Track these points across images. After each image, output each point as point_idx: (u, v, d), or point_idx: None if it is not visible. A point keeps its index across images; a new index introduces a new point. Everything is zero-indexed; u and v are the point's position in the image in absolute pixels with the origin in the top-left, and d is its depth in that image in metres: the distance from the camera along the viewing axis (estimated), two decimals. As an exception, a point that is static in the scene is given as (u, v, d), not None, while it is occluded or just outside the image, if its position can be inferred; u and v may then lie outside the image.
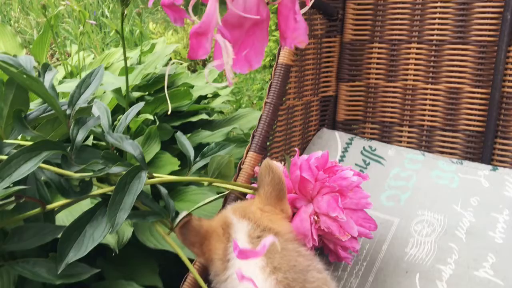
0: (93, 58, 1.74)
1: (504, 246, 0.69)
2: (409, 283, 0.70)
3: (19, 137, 0.69)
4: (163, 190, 0.72)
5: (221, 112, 1.69)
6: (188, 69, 2.82)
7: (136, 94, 1.29)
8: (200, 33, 0.32)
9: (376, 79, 0.90)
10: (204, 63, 2.87)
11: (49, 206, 0.65)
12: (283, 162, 0.74)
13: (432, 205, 0.75)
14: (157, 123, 1.14)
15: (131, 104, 1.26)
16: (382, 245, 0.74)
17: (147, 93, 1.34)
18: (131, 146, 0.67)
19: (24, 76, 0.61)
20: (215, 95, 1.51)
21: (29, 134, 0.63)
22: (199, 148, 0.85)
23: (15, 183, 0.57)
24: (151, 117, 1.06)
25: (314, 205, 0.65)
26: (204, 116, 1.34)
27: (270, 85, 0.83)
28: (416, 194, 0.78)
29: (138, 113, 1.15)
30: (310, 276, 0.57)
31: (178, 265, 1.02)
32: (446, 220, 0.73)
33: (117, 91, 1.10)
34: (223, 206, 0.79)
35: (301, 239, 0.64)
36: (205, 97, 1.48)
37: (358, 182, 0.65)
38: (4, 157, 0.61)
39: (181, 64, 1.86)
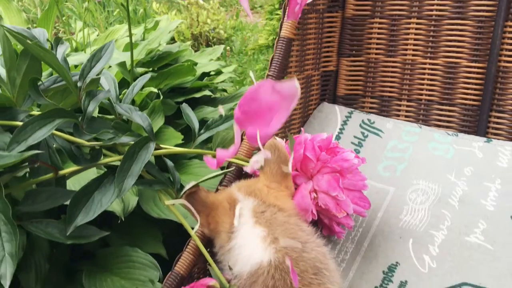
0: (97, 35, 1.75)
1: (495, 213, 0.71)
2: (402, 247, 0.73)
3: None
4: (169, 163, 0.75)
5: (224, 91, 1.71)
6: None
7: (140, 70, 1.31)
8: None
9: (376, 54, 0.92)
10: (208, 43, 2.87)
11: (61, 172, 0.68)
12: (285, 139, 0.77)
13: (427, 175, 0.78)
14: (161, 97, 1.16)
15: (136, 79, 1.29)
16: (378, 213, 0.77)
17: (151, 69, 1.36)
18: (140, 118, 0.70)
19: (38, 47, 0.63)
20: (218, 73, 1.53)
21: (42, 101, 0.65)
22: (202, 124, 0.88)
23: (29, 149, 0.60)
24: (155, 90, 1.08)
25: (314, 183, 0.68)
26: (207, 92, 1.37)
27: (272, 59, 0.85)
28: (412, 164, 0.80)
29: (142, 87, 1.18)
30: (308, 248, 0.60)
31: (180, 235, 1.06)
32: (440, 189, 0.76)
33: (122, 65, 1.12)
34: (222, 180, 0.82)
35: (302, 215, 0.67)
36: (208, 74, 1.49)
37: (358, 164, 0.68)
38: (19, 123, 0.63)
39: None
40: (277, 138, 0.74)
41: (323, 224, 0.72)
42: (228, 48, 2.92)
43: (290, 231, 0.61)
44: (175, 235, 1.08)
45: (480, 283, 0.67)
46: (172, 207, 0.68)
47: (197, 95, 1.34)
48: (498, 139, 0.81)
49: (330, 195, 0.66)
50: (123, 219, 0.93)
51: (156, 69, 1.39)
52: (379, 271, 0.72)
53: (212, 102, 1.43)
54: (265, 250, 0.58)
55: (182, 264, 0.75)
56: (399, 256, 0.72)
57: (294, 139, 0.70)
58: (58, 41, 0.74)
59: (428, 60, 0.87)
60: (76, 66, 1.17)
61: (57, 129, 0.69)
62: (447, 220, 0.73)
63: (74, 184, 0.94)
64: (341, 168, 0.67)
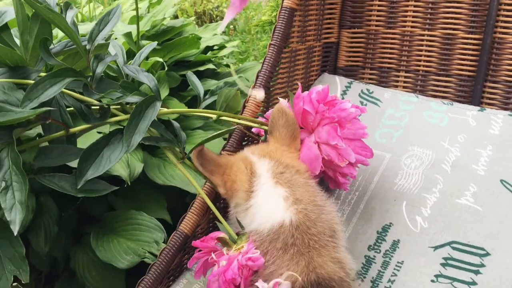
0: (102, 10, 1.77)
1: (485, 177, 0.75)
2: (397, 209, 0.76)
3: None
4: (175, 123, 0.78)
5: (227, 66, 1.74)
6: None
7: (145, 42, 1.33)
8: None
9: (376, 26, 0.94)
10: (211, 22, 2.88)
11: (72, 130, 0.71)
12: (287, 99, 0.79)
13: (422, 141, 0.81)
14: (166, 68, 1.19)
15: (141, 51, 1.31)
16: (374, 177, 0.81)
17: (155, 42, 1.38)
18: (146, 78, 0.73)
19: (48, 10, 0.66)
20: (222, 47, 1.55)
21: (53, 62, 0.68)
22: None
23: (41, 106, 0.63)
24: (160, 60, 1.11)
25: (315, 136, 0.70)
26: (211, 66, 1.39)
27: (275, 28, 0.88)
28: (407, 132, 0.84)
29: (147, 58, 1.20)
30: (326, 211, 0.63)
31: (182, 203, 1.09)
32: (434, 155, 0.79)
33: (128, 35, 1.14)
34: (228, 140, 0.85)
35: (312, 167, 0.69)
36: (212, 48, 1.52)
37: (356, 113, 0.70)
38: (31, 81, 0.66)
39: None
40: (280, 98, 0.77)
41: (329, 177, 0.74)
42: (231, 27, 2.93)
43: (310, 193, 0.64)
44: (178, 203, 1.12)
45: (468, 241, 0.70)
46: (180, 165, 0.72)
47: (201, 68, 1.37)
48: (492, 108, 0.84)
49: (330, 145, 0.68)
50: (129, 184, 0.97)
51: (160, 42, 1.41)
52: (374, 231, 0.76)
53: (215, 76, 1.45)
54: (286, 210, 0.61)
55: (186, 223, 0.79)
56: (393, 217, 0.76)
57: (293, 95, 0.72)
58: (67, 5, 0.77)
59: (426, 32, 0.89)
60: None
61: (67, 89, 0.72)
62: (440, 184, 0.76)
63: (85, 144, 0.98)
64: (339, 117, 0.68)
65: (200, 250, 0.66)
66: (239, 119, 0.79)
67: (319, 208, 0.63)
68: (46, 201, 0.99)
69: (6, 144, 0.60)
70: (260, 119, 0.79)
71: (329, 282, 0.58)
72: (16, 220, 0.56)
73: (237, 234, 0.65)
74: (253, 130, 0.83)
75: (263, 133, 0.79)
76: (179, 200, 1.16)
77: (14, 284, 0.61)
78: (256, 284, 0.58)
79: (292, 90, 0.94)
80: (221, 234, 0.65)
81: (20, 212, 0.56)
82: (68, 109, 0.71)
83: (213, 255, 0.63)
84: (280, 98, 0.79)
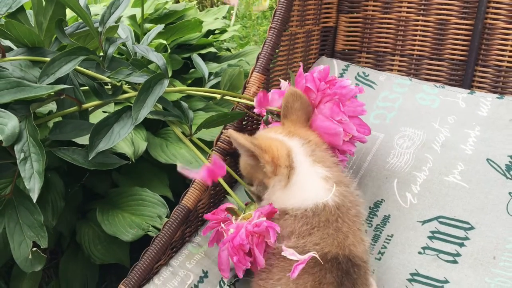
0: (106, -7, 1.79)
1: (472, 156, 0.79)
2: (388, 186, 0.81)
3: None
4: (184, 104, 0.82)
5: (228, 50, 1.77)
6: (196, 11, 2.84)
7: (149, 25, 1.36)
8: None
9: (373, 11, 0.97)
10: (212, 5, 2.89)
11: (85, 106, 0.75)
12: (287, 81, 0.83)
13: (413, 122, 0.85)
14: (169, 51, 1.22)
15: (145, 34, 1.34)
16: (367, 156, 0.85)
17: (162, 25, 1.41)
18: (155, 57, 0.76)
19: None
20: (223, 31, 1.58)
21: (67, 41, 0.72)
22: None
23: (56, 82, 0.67)
24: (164, 42, 1.14)
25: (318, 112, 0.73)
26: (212, 49, 1.42)
27: (275, 12, 0.91)
28: (400, 113, 0.87)
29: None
30: (353, 191, 0.69)
31: (184, 181, 1.13)
32: (425, 135, 0.83)
33: (132, 18, 1.17)
34: (225, 126, 0.89)
35: (332, 141, 0.72)
36: (213, 32, 1.54)
37: (355, 91, 0.73)
38: (47, 59, 0.70)
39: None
40: (281, 80, 0.80)
41: None
42: (232, 12, 2.94)
43: (340, 172, 0.69)
44: (179, 182, 1.16)
45: (454, 216, 0.75)
46: (188, 142, 0.76)
47: (203, 51, 1.40)
48: (482, 91, 0.88)
49: (333, 121, 0.71)
50: (134, 161, 1.01)
51: (163, 25, 1.44)
52: (366, 207, 0.80)
53: (217, 59, 1.48)
54: (328, 192, 0.65)
55: (188, 198, 0.83)
56: (384, 194, 0.80)
57: (294, 75, 0.75)
58: None
59: (420, 17, 0.93)
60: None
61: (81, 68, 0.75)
62: (429, 163, 0.80)
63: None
64: (340, 95, 0.71)
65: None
66: (242, 98, 0.83)
67: (348, 188, 0.68)
68: (53, 177, 1.03)
69: (24, 117, 0.64)
70: None
71: (357, 260, 0.63)
72: (35, 188, 0.60)
73: (245, 204, 0.69)
74: (255, 110, 0.86)
75: (264, 113, 0.82)
76: (180, 179, 1.20)
77: (34, 249, 0.66)
78: (284, 253, 0.62)
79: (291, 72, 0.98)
80: (229, 205, 0.69)
81: (38, 181, 0.60)
82: (82, 87, 0.75)
83: (222, 225, 0.67)
84: (281, 80, 0.82)
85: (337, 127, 0.70)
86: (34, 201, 0.60)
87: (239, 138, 0.65)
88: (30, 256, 0.65)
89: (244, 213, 0.67)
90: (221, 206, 0.70)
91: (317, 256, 0.61)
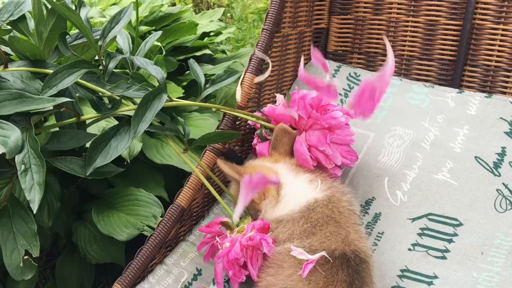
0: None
1: (461, 154, 0.80)
2: (379, 184, 0.82)
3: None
4: (181, 120, 0.83)
5: (224, 52, 1.78)
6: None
7: (144, 28, 1.38)
8: None
9: (364, 12, 0.99)
10: (208, 8, 2.91)
11: (83, 118, 0.76)
12: (283, 95, 0.84)
13: (404, 122, 0.86)
14: (164, 53, 1.23)
15: (140, 37, 1.35)
16: (358, 155, 0.86)
17: (153, 28, 1.43)
18: (154, 70, 0.77)
19: (65, 8, 0.70)
20: (218, 33, 1.59)
21: (69, 54, 0.73)
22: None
23: (57, 94, 0.68)
24: (159, 44, 1.15)
25: (306, 137, 0.76)
26: (207, 51, 1.44)
27: (267, 14, 0.93)
28: (391, 113, 0.89)
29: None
30: (337, 184, 0.74)
31: (179, 183, 1.14)
32: (414, 134, 0.84)
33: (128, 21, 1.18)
34: (220, 123, 0.90)
35: (303, 164, 0.76)
36: (208, 34, 1.56)
37: (345, 122, 0.76)
38: (49, 71, 0.71)
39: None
40: (277, 94, 0.83)
41: None
42: (228, 15, 2.96)
43: (328, 179, 0.73)
44: (174, 184, 1.17)
45: (443, 212, 0.76)
46: (183, 156, 0.77)
47: (198, 53, 1.41)
48: (471, 90, 0.89)
49: (319, 150, 0.75)
50: (129, 162, 1.02)
51: (158, 28, 1.46)
52: (357, 205, 0.81)
53: (212, 61, 1.50)
54: (315, 190, 0.71)
55: (182, 197, 0.84)
56: (375, 192, 0.82)
57: (290, 96, 0.78)
58: (81, 4, 0.81)
59: (410, 18, 0.94)
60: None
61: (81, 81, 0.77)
62: (419, 161, 0.82)
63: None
64: (329, 125, 0.75)
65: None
66: (237, 112, 0.84)
67: (335, 185, 0.73)
68: (49, 179, 1.04)
69: (25, 129, 0.65)
70: (257, 113, 0.84)
71: (363, 255, 0.66)
72: (35, 199, 0.61)
73: (240, 218, 0.71)
74: (249, 122, 0.88)
75: (258, 126, 0.84)
76: (175, 180, 1.22)
77: (25, 257, 0.67)
78: (294, 253, 0.64)
79: (283, 74, 0.99)
80: (224, 219, 0.71)
81: (38, 192, 0.61)
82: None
83: (217, 239, 0.68)
84: (276, 94, 0.85)
85: (305, 153, 0.74)
86: (35, 211, 0.61)
87: (225, 168, 0.72)
88: (21, 264, 0.66)
89: (238, 227, 0.69)
90: (215, 219, 0.72)
91: (326, 255, 0.63)
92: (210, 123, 1.21)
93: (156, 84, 0.76)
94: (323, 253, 0.63)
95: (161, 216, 0.99)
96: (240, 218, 0.70)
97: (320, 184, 0.71)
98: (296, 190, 0.71)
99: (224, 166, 0.72)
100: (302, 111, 0.76)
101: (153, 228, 0.97)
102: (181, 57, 1.39)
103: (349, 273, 0.63)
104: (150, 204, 1.02)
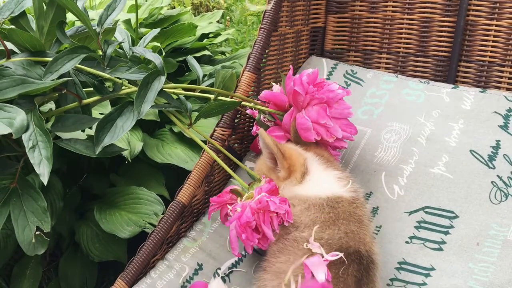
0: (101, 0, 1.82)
1: (456, 148, 0.81)
2: (376, 179, 0.83)
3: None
4: (181, 96, 0.84)
5: (223, 53, 1.80)
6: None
7: (144, 30, 1.39)
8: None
9: (360, 10, 1.00)
10: (207, 10, 2.93)
11: (85, 101, 0.77)
12: (279, 83, 0.86)
13: (400, 117, 0.88)
14: (163, 53, 1.25)
15: (140, 38, 1.37)
16: (356, 151, 0.87)
17: (158, 29, 1.44)
18: (152, 56, 0.79)
19: None
20: (217, 35, 1.61)
21: (67, 42, 0.75)
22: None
23: (60, 78, 0.70)
24: (158, 44, 1.17)
25: (306, 114, 0.76)
26: (207, 52, 1.45)
27: (265, 13, 0.94)
28: (387, 109, 0.90)
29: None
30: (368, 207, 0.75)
31: (179, 179, 1.16)
32: (410, 129, 0.86)
33: (127, 22, 1.20)
34: (222, 117, 0.91)
35: (305, 136, 0.77)
36: (207, 36, 1.57)
37: (342, 95, 0.77)
38: (49, 59, 0.73)
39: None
40: (273, 83, 0.84)
41: None
42: (228, 17, 2.98)
43: (355, 184, 0.74)
44: (174, 183, 1.19)
45: (439, 205, 0.77)
46: (188, 131, 0.78)
47: (197, 54, 1.43)
48: (466, 86, 0.91)
49: (320, 124, 0.75)
50: (130, 161, 1.03)
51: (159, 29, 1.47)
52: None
53: (211, 62, 1.51)
54: (342, 188, 0.72)
55: (183, 194, 0.85)
56: (373, 186, 0.83)
57: (285, 76, 0.79)
58: None
59: (405, 16, 0.96)
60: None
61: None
62: (415, 155, 0.83)
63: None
64: (327, 98, 0.75)
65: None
66: (234, 97, 0.85)
67: (363, 196, 0.75)
68: (51, 178, 1.05)
69: (29, 110, 0.67)
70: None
71: (374, 257, 0.68)
72: (45, 172, 0.63)
73: (248, 184, 0.72)
74: (248, 111, 0.90)
75: (256, 114, 0.85)
76: (176, 178, 1.23)
77: (37, 232, 0.69)
78: (311, 246, 0.65)
79: (282, 72, 1.01)
80: (233, 187, 0.72)
81: (47, 166, 0.63)
82: (85, 89, 0.78)
83: (229, 207, 0.69)
84: (273, 83, 0.86)
85: (307, 122, 0.74)
86: (45, 184, 0.62)
87: (267, 138, 0.72)
88: (33, 240, 0.68)
89: (248, 193, 0.70)
90: (225, 189, 0.73)
91: (343, 256, 0.64)
92: (210, 119, 1.22)
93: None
94: (341, 254, 0.63)
95: (162, 214, 1.01)
96: (249, 185, 0.72)
97: (349, 183, 0.73)
98: (322, 180, 0.72)
99: (267, 136, 0.72)
100: (299, 87, 0.75)
101: (154, 226, 0.98)
102: (181, 58, 1.41)
103: (359, 270, 0.64)
104: (151, 202, 1.03)
